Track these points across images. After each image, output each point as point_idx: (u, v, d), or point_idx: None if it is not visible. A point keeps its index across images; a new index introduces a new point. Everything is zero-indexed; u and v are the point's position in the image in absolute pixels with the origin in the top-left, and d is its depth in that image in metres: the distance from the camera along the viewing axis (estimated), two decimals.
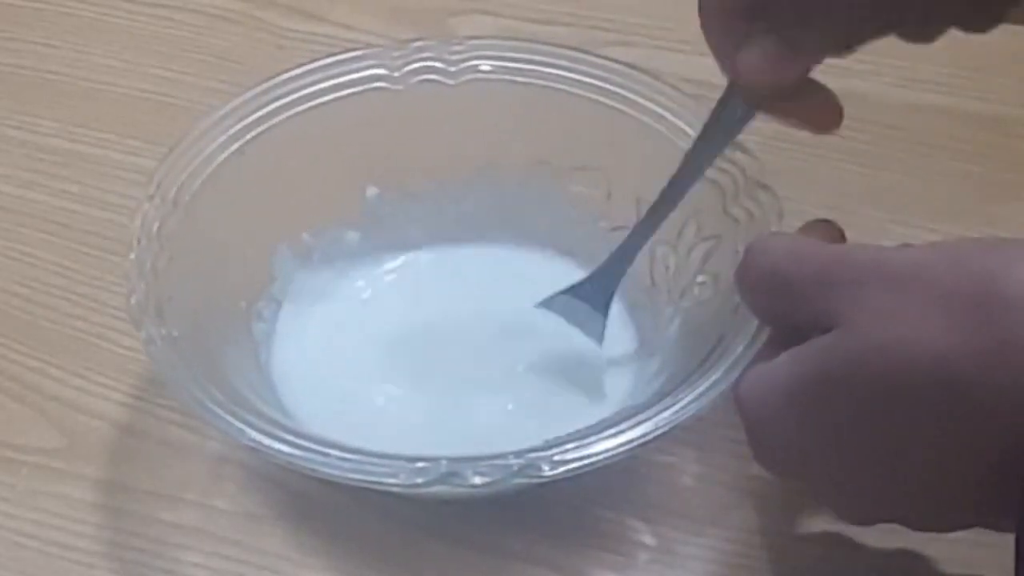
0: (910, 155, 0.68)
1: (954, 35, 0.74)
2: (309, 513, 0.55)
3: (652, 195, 0.58)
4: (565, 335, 0.58)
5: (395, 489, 0.49)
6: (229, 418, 0.50)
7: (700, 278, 0.56)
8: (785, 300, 0.47)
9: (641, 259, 0.58)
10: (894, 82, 0.71)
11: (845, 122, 0.69)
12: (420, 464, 0.48)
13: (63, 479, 0.57)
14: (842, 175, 0.67)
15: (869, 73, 0.72)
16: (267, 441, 0.49)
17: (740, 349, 0.50)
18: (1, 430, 0.59)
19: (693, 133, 0.57)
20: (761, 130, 0.69)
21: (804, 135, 0.69)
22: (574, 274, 0.59)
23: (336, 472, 0.48)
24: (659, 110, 0.58)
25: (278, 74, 0.60)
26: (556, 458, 0.48)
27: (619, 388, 0.57)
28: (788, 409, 0.46)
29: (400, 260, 0.62)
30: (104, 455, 0.58)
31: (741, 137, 0.57)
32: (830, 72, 0.72)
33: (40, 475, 0.57)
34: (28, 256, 0.65)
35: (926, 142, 0.69)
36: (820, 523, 0.54)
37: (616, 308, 0.58)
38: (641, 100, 0.59)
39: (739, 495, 0.55)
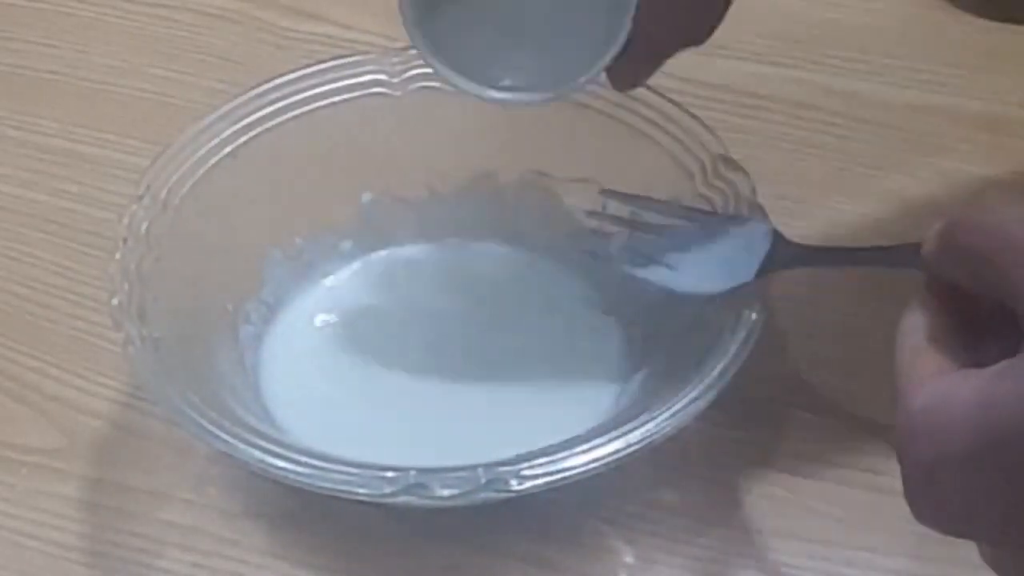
0: (910, 155, 0.68)
1: (954, 35, 0.74)
2: (309, 512, 0.55)
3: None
4: (553, 348, 0.58)
5: (364, 499, 0.49)
6: (200, 419, 0.50)
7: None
8: (999, 271, 0.39)
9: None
10: (894, 82, 0.71)
11: (845, 122, 0.70)
12: (389, 474, 0.48)
13: (63, 479, 0.57)
14: (842, 175, 0.67)
15: (869, 73, 0.72)
16: (235, 444, 0.49)
17: (718, 370, 0.50)
18: (1, 430, 0.59)
19: (688, 146, 0.57)
20: (761, 130, 0.69)
21: (804, 135, 0.69)
22: (569, 283, 0.60)
23: (304, 479, 0.48)
24: (655, 123, 0.58)
25: (276, 77, 0.60)
26: (524, 473, 0.48)
27: (603, 402, 0.56)
28: (977, 454, 0.38)
29: (392, 267, 0.62)
30: (104, 455, 0.58)
31: (734, 148, 0.57)
32: (831, 71, 0.72)
33: (40, 475, 0.57)
34: (28, 256, 0.65)
35: (926, 142, 0.69)
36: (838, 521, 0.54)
37: (607, 322, 0.59)
38: (637, 112, 0.59)
39: (742, 494, 0.55)
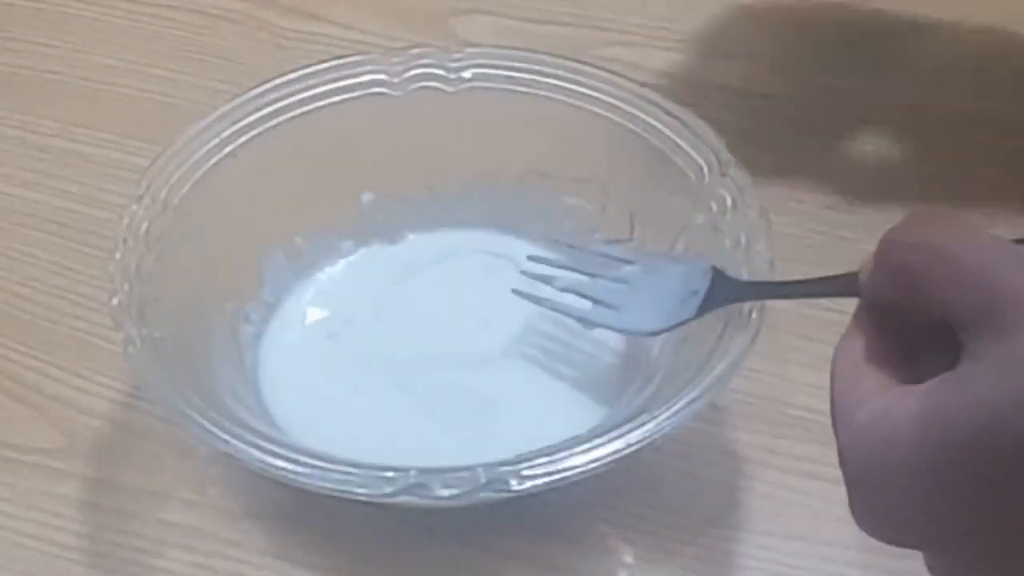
0: (910, 155, 0.68)
1: (954, 35, 0.74)
2: (309, 513, 0.55)
3: (646, 208, 0.58)
4: (553, 347, 0.58)
5: (363, 499, 0.49)
6: (199, 419, 0.50)
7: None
8: (934, 285, 0.39)
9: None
10: (893, 82, 0.71)
11: (845, 122, 0.70)
12: (389, 474, 0.48)
13: (63, 479, 0.57)
14: (842, 175, 0.67)
15: (869, 73, 0.72)
16: (235, 444, 0.49)
17: (719, 369, 0.50)
18: (1, 430, 0.59)
19: (688, 146, 0.57)
20: (761, 130, 0.69)
21: (804, 135, 0.69)
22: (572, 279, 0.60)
23: (304, 479, 0.48)
24: (656, 123, 0.58)
25: (276, 77, 0.60)
26: (524, 473, 0.48)
27: (603, 402, 0.56)
28: (918, 466, 0.38)
29: (392, 267, 0.62)
30: (104, 455, 0.58)
31: (734, 148, 0.57)
32: (830, 71, 0.72)
33: (40, 475, 0.57)
34: (28, 256, 0.65)
35: (926, 142, 0.69)
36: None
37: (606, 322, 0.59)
38: (638, 113, 0.59)
39: (742, 494, 0.55)
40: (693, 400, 0.50)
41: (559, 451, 0.49)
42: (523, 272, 0.58)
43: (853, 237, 0.64)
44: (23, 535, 0.55)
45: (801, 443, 0.57)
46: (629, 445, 0.49)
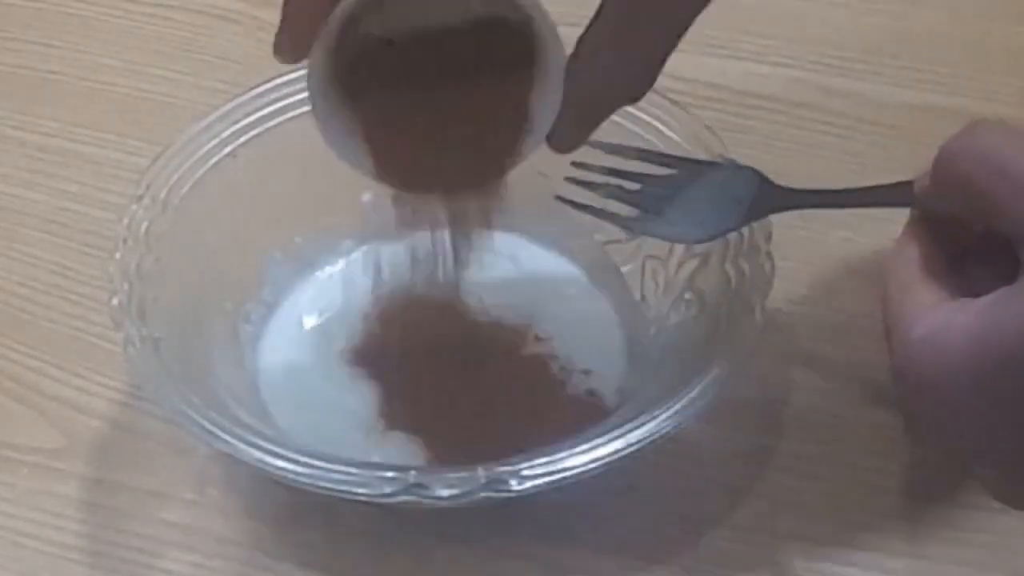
0: (910, 155, 0.68)
1: (955, 34, 0.74)
2: (309, 512, 0.55)
3: None
4: (554, 346, 0.58)
5: (363, 499, 0.49)
6: (199, 419, 0.50)
7: (687, 295, 0.56)
8: (995, 200, 0.40)
9: (632, 274, 0.59)
10: (894, 82, 0.71)
11: (845, 122, 0.70)
12: (389, 474, 0.48)
13: (63, 479, 0.57)
14: (842, 175, 0.67)
15: (869, 73, 0.72)
16: (235, 444, 0.49)
17: (718, 369, 0.50)
18: (1, 430, 0.59)
19: (688, 146, 0.57)
20: (760, 130, 0.69)
21: (804, 135, 0.69)
22: (572, 281, 0.60)
23: (304, 480, 0.48)
24: (656, 123, 0.58)
25: (276, 77, 0.60)
26: (524, 473, 0.48)
27: (604, 402, 0.56)
28: (978, 378, 0.39)
29: (392, 266, 0.62)
30: (103, 455, 0.58)
31: (734, 148, 0.57)
32: (830, 71, 0.72)
33: (40, 475, 0.57)
34: (28, 256, 0.65)
35: (926, 142, 0.68)
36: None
37: (609, 320, 0.59)
38: (638, 113, 0.58)
39: (742, 494, 0.55)
40: (693, 400, 0.50)
41: (559, 451, 0.49)
42: (567, 179, 0.56)
43: (854, 237, 0.64)
44: (23, 535, 0.55)
45: (801, 443, 0.57)
46: (629, 445, 0.49)
